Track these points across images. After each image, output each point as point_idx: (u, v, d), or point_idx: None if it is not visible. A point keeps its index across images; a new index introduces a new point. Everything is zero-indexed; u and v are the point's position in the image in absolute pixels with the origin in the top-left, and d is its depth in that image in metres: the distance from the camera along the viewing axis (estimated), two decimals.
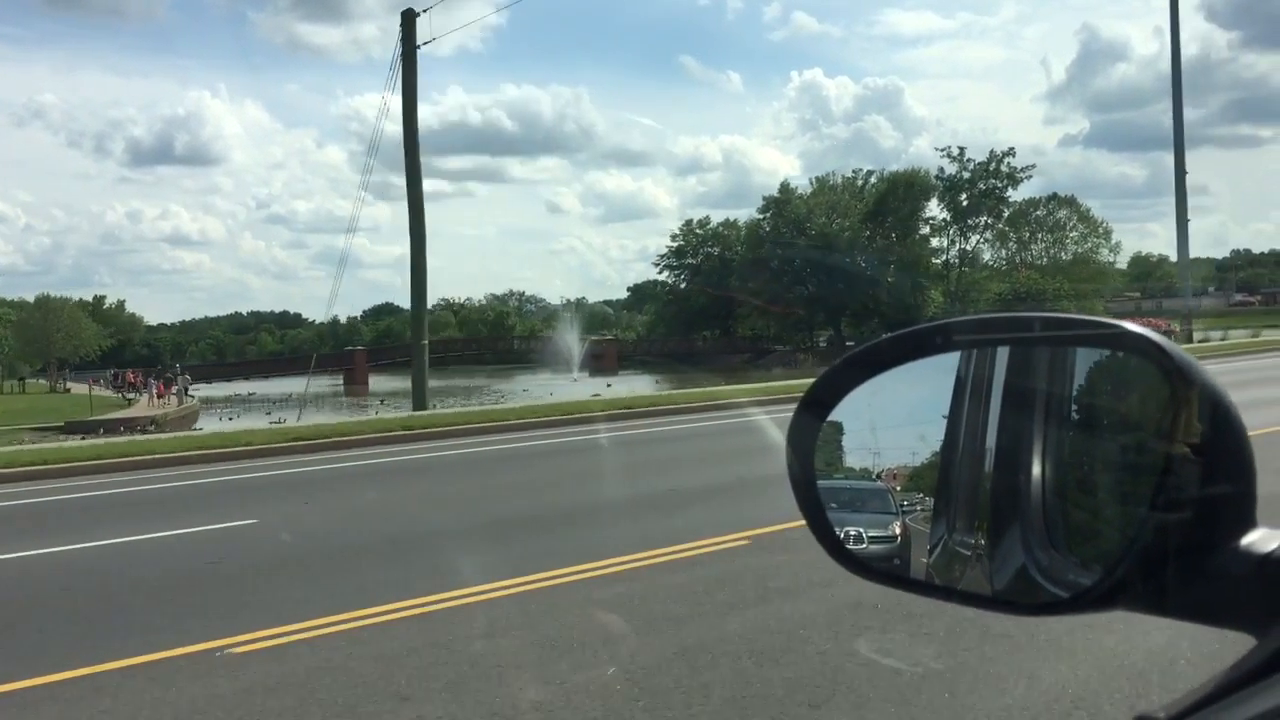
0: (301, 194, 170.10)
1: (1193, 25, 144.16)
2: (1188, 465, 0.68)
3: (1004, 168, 68.07)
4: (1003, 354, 0.86)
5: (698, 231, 76.26)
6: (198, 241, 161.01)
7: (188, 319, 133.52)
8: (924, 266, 68.24)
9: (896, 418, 0.92)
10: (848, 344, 65.13)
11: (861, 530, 0.93)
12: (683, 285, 76.48)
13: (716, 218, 71.20)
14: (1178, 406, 0.69)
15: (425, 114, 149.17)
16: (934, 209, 69.97)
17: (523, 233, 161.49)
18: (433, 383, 30.86)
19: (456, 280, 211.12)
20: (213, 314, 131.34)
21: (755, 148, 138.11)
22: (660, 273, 77.57)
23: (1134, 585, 0.70)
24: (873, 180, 72.22)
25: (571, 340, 66.76)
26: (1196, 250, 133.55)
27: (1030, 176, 69.15)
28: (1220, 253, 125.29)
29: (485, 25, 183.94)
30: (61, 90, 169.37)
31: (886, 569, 0.92)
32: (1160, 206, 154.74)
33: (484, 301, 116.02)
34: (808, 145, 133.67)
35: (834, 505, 0.93)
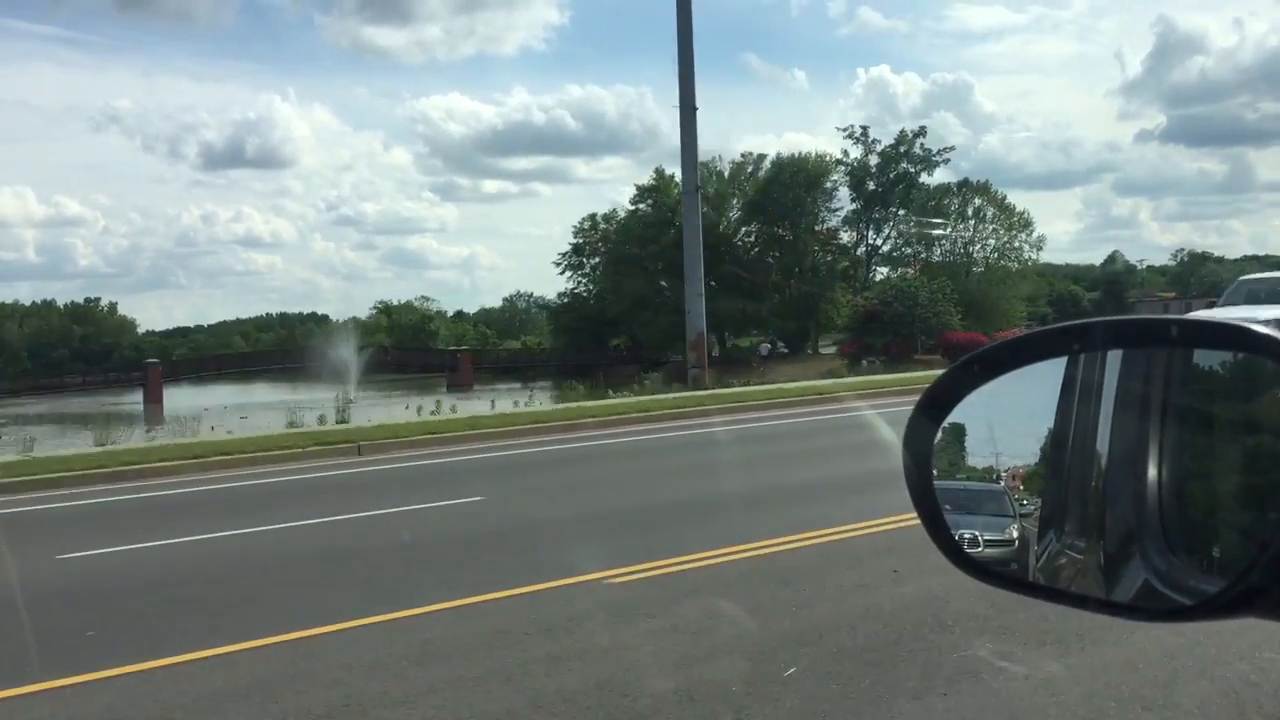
0: (369, 196, 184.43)
1: (1273, 16, 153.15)
2: None
3: (917, 150, 68.88)
4: (1114, 357, 0.96)
5: (602, 226, 73.68)
6: (269, 243, 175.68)
7: (228, 320, 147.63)
8: (824, 265, 68.17)
9: (1011, 421, 1.02)
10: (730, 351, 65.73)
11: (977, 533, 1.03)
12: (585, 289, 74.80)
13: None
14: None
15: (489, 115, 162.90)
16: (845, 199, 69.29)
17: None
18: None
19: (523, 280, 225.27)
20: (287, 313, 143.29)
21: (821, 146, 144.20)
22: (561, 273, 75.29)
23: (1270, 591, 0.78)
24: (765, 165, 70.27)
25: (346, 353, 66.85)
26: (1276, 247, 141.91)
27: (948, 160, 70.09)
28: None
29: (548, 25, 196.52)
30: (137, 95, 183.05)
31: (1006, 573, 1.02)
32: (1241, 203, 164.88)
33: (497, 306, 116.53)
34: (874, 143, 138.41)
35: (949, 507, 1.04)
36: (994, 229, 69.57)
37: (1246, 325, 0.85)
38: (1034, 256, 72.61)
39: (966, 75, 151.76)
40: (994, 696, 4.73)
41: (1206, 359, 0.90)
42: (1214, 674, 4.82)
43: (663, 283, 66.04)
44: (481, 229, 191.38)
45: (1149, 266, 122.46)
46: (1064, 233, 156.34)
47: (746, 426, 18.54)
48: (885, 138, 71.20)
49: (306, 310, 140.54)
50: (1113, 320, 0.98)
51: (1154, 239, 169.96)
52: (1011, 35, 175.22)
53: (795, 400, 22.18)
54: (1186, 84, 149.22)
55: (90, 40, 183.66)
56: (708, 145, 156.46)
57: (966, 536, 1.03)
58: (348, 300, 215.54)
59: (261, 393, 67.08)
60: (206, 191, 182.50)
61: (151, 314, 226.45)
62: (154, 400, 63.90)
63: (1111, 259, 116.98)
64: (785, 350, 64.85)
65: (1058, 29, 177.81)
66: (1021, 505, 1.01)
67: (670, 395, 25.98)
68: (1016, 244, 69.53)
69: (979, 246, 70.33)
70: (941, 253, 70.48)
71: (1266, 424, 0.84)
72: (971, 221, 69.55)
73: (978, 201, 70.52)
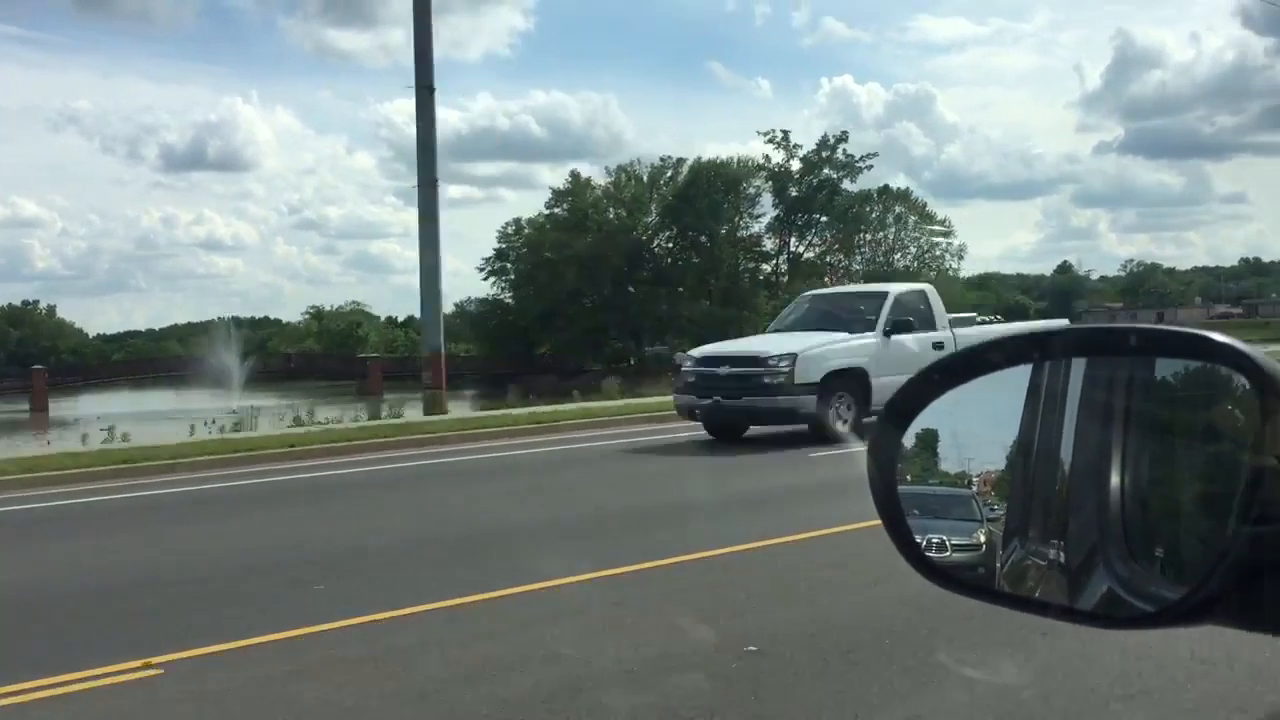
0: (333, 200, 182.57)
1: (1228, 32, 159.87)
2: (1279, 478, 0.77)
3: (840, 155, 67.63)
4: (1079, 363, 0.98)
5: (527, 232, 71.94)
6: (231, 246, 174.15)
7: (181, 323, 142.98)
8: (746, 271, 68.02)
9: (975, 428, 1.04)
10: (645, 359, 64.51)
11: (945, 538, 1.04)
12: (505, 296, 73.06)
13: None
14: (1266, 418, 0.79)
15: (454, 119, 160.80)
16: (768, 205, 68.69)
17: None
18: None
19: (486, 287, 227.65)
20: (239, 316, 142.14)
21: (784, 154, 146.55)
22: (485, 279, 72.97)
23: (1228, 599, 0.80)
24: (684, 170, 69.38)
25: (229, 359, 65.23)
26: (1230, 259, 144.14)
27: (871, 166, 68.94)
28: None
29: (513, 31, 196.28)
30: (96, 96, 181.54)
31: (971, 579, 1.04)
32: (1198, 215, 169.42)
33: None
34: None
35: (916, 512, 1.05)
36: (914, 236, 68.71)
37: (1206, 334, 0.88)
38: (954, 265, 71.88)
39: (929, 86, 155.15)
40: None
41: (1167, 367, 0.92)
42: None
43: (615, 288, 64.42)
44: (445, 234, 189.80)
45: (1101, 277, 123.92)
46: (1024, 243, 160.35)
47: (419, 464, 15.65)
48: (850, 147, 69.49)
49: (269, 315, 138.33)
50: (1073, 329, 1.08)
51: (1112, 250, 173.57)
52: (973, 47, 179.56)
53: (524, 430, 18.96)
54: (1144, 97, 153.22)
55: (49, 40, 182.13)
56: (668, 149, 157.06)
57: (935, 541, 1.05)
58: (311, 304, 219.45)
59: (160, 400, 65.51)
60: (167, 194, 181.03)
61: (110, 317, 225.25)
62: (39, 409, 61.78)
63: (1062, 269, 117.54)
64: None
65: (1019, 42, 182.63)
66: (990, 510, 1.03)
67: (361, 425, 21.80)
68: (938, 252, 68.91)
69: (899, 255, 69.31)
70: (863, 260, 69.43)
71: (1225, 432, 0.86)
72: (893, 229, 68.49)
73: (899, 209, 70.03)
